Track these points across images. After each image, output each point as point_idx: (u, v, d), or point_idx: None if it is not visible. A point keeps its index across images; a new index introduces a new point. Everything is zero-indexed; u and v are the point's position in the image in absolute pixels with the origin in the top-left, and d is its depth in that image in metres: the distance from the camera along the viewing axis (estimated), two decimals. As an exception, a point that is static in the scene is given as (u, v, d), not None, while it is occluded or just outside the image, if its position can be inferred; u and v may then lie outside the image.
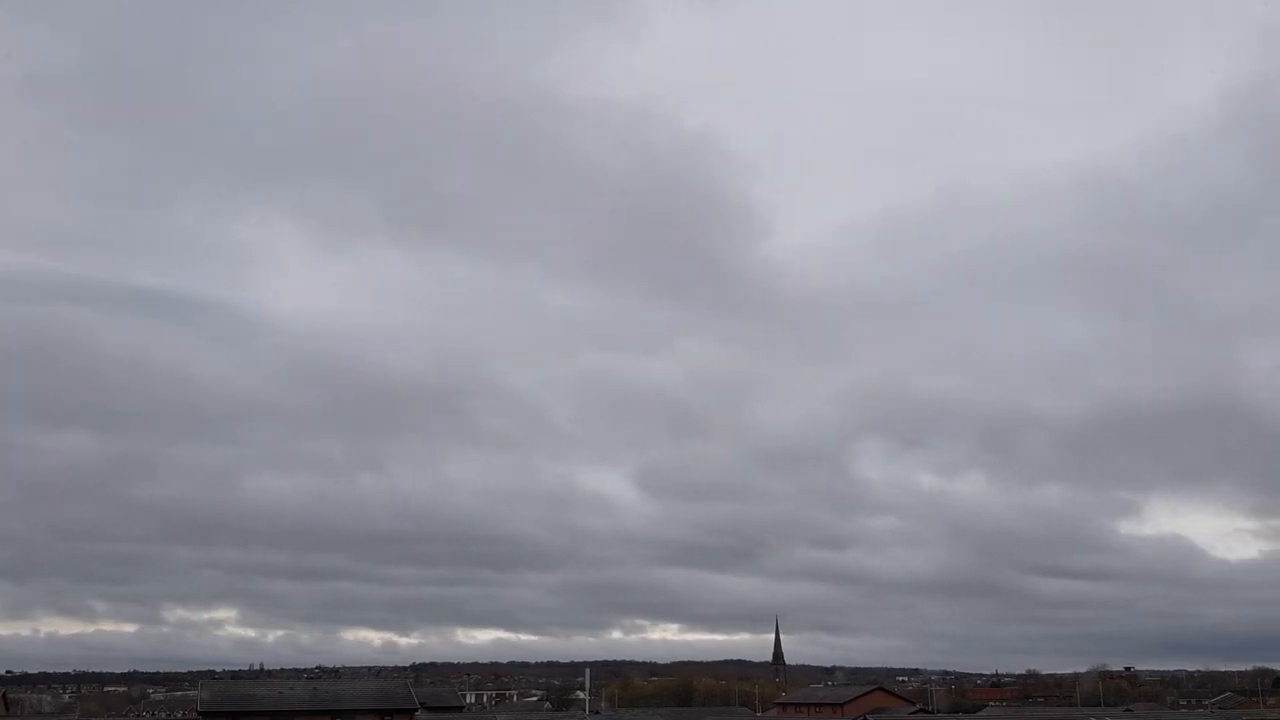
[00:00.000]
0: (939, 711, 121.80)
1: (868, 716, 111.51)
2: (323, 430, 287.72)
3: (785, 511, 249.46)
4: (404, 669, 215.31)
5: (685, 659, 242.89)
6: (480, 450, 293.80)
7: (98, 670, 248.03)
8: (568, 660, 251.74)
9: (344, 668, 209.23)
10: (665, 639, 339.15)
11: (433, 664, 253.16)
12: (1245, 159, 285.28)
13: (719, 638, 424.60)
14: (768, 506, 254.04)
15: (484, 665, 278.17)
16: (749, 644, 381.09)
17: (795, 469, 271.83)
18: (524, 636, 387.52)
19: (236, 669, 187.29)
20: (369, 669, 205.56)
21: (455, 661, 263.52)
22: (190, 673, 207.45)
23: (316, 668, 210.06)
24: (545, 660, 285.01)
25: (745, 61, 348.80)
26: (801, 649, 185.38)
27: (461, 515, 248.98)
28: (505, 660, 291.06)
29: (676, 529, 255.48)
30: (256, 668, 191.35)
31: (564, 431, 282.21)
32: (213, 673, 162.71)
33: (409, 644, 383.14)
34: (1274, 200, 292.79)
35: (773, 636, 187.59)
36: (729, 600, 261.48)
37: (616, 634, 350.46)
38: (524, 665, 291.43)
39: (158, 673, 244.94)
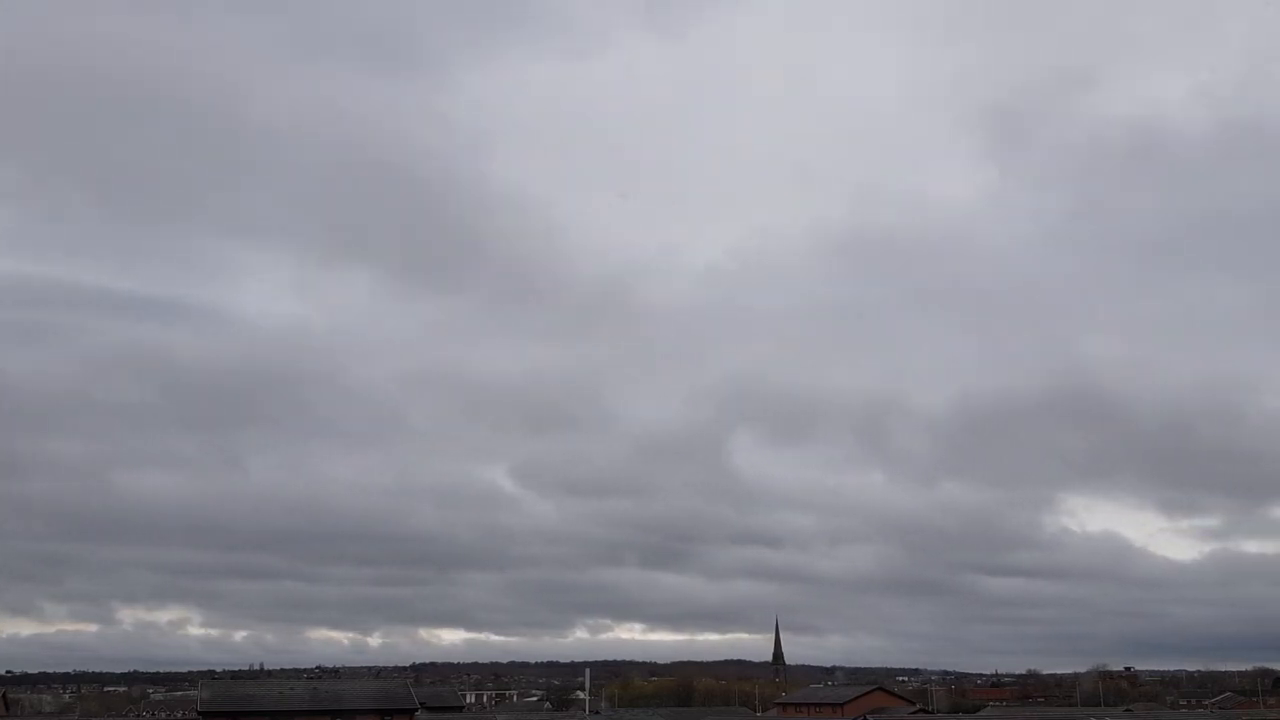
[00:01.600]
0: (939, 711, 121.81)
1: (868, 716, 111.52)
2: (179, 427, 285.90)
3: (689, 508, 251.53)
4: (404, 669, 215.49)
5: (685, 659, 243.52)
6: (352, 448, 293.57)
7: (98, 670, 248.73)
8: (568, 660, 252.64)
9: (344, 668, 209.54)
10: (633, 638, 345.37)
11: (433, 664, 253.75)
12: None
13: (712, 637, 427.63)
14: (666, 502, 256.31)
15: (484, 665, 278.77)
16: (739, 644, 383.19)
17: (680, 464, 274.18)
18: (494, 637, 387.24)
19: (236, 669, 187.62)
20: (369, 669, 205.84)
21: (455, 661, 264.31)
22: (190, 673, 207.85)
23: (316, 668, 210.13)
24: (545, 660, 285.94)
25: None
26: (776, 647, 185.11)
27: (374, 515, 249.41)
28: (505, 660, 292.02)
29: (591, 527, 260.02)
30: (256, 668, 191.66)
31: (427, 429, 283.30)
32: (213, 673, 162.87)
33: (378, 644, 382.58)
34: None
35: (773, 636, 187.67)
36: (681, 599, 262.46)
37: (581, 634, 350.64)
38: (524, 665, 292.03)
39: (158, 673, 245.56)
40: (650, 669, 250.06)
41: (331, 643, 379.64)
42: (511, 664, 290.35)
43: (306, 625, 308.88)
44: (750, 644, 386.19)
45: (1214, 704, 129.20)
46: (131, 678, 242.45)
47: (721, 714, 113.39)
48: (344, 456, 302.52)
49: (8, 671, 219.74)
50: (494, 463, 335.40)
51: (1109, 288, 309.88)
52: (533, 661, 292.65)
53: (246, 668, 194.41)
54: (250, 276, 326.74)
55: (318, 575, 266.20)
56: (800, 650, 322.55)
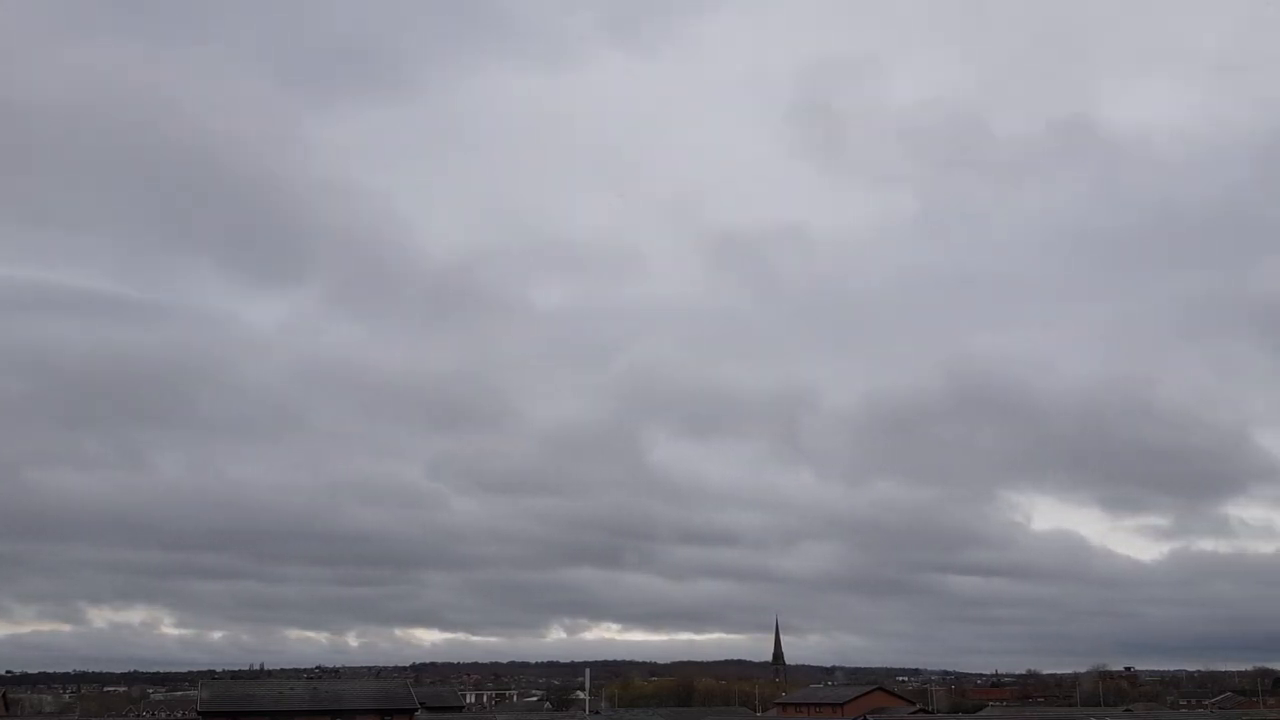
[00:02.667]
0: (939, 711, 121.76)
1: (868, 716, 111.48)
2: (75, 424, 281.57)
3: (626, 505, 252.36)
4: (404, 669, 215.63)
5: (685, 659, 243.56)
6: (253, 446, 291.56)
7: (98, 670, 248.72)
8: (568, 660, 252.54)
9: (344, 668, 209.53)
10: (611, 638, 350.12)
11: (433, 664, 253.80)
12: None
13: (691, 637, 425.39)
14: (599, 500, 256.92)
15: (484, 665, 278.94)
16: (721, 644, 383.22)
17: (599, 461, 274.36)
18: (472, 637, 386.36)
19: (236, 670, 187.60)
20: (369, 669, 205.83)
21: (455, 661, 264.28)
22: (190, 673, 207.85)
23: (316, 668, 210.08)
24: (545, 660, 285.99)
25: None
26: (776, 647, 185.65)
27: (309, 514, 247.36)
28: (505, 660, 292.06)
29: (533, 525, 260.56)
30: (256, 668, 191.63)
31: (328, 427, 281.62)
32: (212, 673, 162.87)
33: (357, 644, 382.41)
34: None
35: (773, 637, 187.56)
36: (652, 599, 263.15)
37: (559, 634, 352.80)
38: (524, 665, 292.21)
39: (157, 673, 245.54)
40: (650, 669, 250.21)
41: (309, 642, 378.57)
42: (511, 664, 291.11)
43: (276, 625, 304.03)
44: (733, 644, 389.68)
45: (1214, 704, 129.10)
46: (131, 678, 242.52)
47: (721, 714, 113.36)
48: (248, 455, 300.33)
49: (8, 671, 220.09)
50: (409, 461, 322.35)
51: (1014, 286, 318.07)
52: (533, 661, 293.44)
53: (246, 668, 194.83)
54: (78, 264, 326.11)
55: (273, 575, 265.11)
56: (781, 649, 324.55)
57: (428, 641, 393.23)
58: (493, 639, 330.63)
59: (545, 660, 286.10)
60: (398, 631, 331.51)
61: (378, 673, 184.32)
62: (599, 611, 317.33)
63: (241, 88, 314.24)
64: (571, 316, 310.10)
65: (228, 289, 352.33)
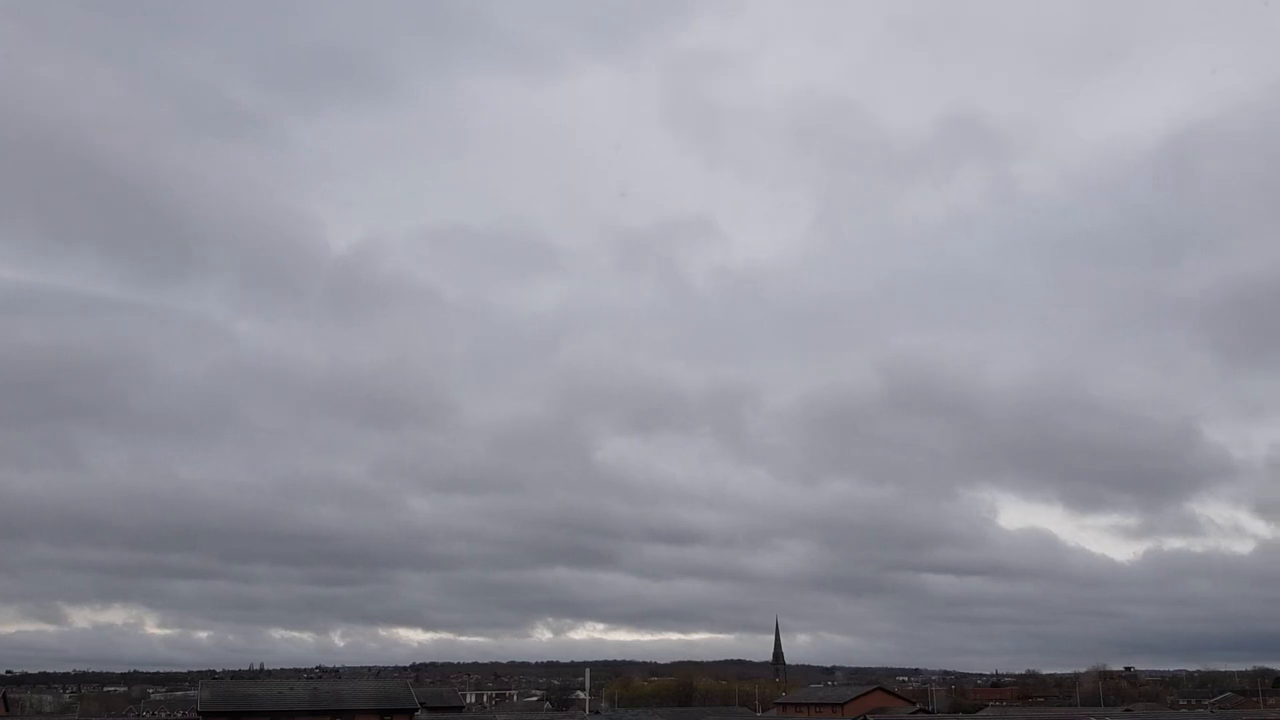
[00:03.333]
0: (939, 711, 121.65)
1: (868, 716, 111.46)
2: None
3: (587, 505, 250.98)
4: (404, 669, 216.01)
5: (685, 659, 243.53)
6: (188, 443, 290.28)
7: (98, 670, 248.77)
8: (568, 660, 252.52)
9: (344, 668, 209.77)
10: (596, 638, 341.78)
11: (433, 664, 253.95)
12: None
13: (674, 637, 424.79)
14: (558, 498, 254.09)
15: (484, 665, 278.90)
16: (709, 645, 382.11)
17: (547, 459, 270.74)
18: (462, 638, 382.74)
19: (236, 670, 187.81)
20: (369, 669, 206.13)
21: (455, 661, 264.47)
22: (190, 673, 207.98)
23: (316, 668, 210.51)
24: (545, 660, 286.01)
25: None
26: (776, 647, 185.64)
27: (261, 514, 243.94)
28: (503, 660, 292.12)
29: (494, 525, 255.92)
30: (256, 668, 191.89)
31: (262, 424, 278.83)
32: (213, 673, 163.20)
33: (345, 644, 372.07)
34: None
35: (758, 637, 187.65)
36: (630, 598, 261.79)
37: (546, 634, 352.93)
38: (524, 665, 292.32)
39: (157, 673, 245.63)
40: (650, 669, 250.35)
41: (296, 642, 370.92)
42: (511, 664, 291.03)
43: (255, 625, 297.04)
44: (722, 644, 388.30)
45: (1214, 704, 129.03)
46: (131, 678, 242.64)
47: (721, 714, 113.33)
48: (188, 453, 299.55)
49: (8, 671, 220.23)
50: (352, 459, 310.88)
51: (935, 283, 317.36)
52: (532, 662, 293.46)
53: (243, 668, 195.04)
54: None
55: (243, 575, 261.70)
56: (762, 649, 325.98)
57: (415, 641, 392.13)
58: (480, 639, 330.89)
59: (545, 660, 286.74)
60: (382, 631, 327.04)
61: (377, 673, 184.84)
62: (581, 611, 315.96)
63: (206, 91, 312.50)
64: (488, 311, 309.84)
65: (142, 284, 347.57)
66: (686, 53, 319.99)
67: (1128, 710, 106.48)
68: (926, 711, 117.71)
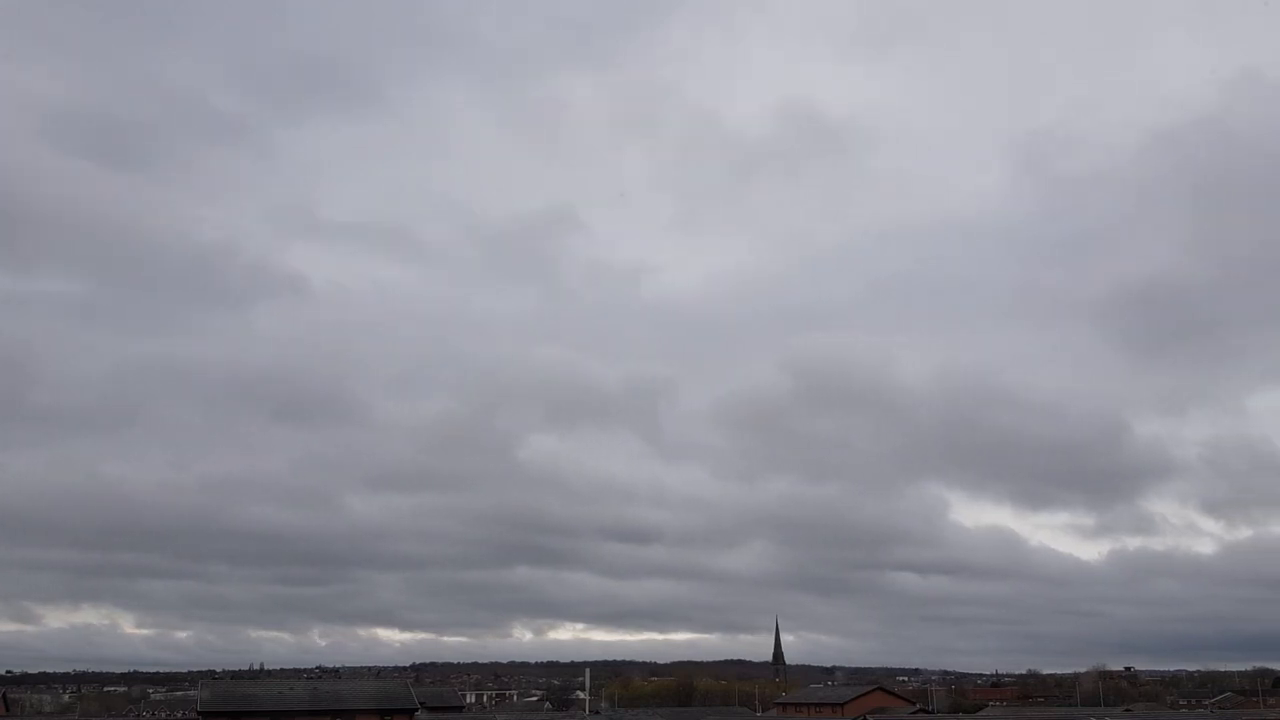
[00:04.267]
0: (939, 711, 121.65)
1: (868, 716, 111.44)
2: None
3: (531, 503, 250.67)
4: (404, 669, 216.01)
5: (685, 659, 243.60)
6: (90, 438, 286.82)
7: (98, 670, 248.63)
8: (567, 660, 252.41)
9: (344, 668, 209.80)
10: (576, 638, 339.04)
11: (433, 664, 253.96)
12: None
13: (655, 637, 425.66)
14: (500, 497, 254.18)
15: (484, 665, 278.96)
16: (693, 645, 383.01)
17: (475, 456, 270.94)
18: (447, 638, 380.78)
19: (236, 670, 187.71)
20: (369, 669, 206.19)
21: (455, 661, 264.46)
22: (190, 673, 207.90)
23: (317, 668, 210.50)
24: (545, 660, 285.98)
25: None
26: (776, 647, 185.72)
27: (193, 512, 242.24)
28: (505, 660, 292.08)
29: (443, 523, 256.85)
30: (256, 667, 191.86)
31: (172, 421, 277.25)
32: (213, 673, 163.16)
33: (323, 643, 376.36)
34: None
35: (772, 637, 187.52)
36: (605, 598, 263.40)
37: (528, 635, 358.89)
38: (524, 665, 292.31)
39: (158, 673, 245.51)
40: (650, 669, 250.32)
41: (279, 641, 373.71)
42: (511, 664, 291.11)
43: (228, 625, 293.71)
44: (706, 643, 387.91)
45: (1214, 704, 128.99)
46: (131, 678, 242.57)
47: (721, 714, 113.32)
48: (106, 451, 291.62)
49: (8, 671, 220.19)
50: (273, 456, 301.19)
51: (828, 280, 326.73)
52: (533, 662, 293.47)
53: (246, 668, 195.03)
54: None
55: (202, 575, 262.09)
56: (745, 648, 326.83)
57: (396, 641, 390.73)
58: (462, 639, 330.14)
59: (545, 660, 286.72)
60: (361, 631, 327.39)
61: (377, 673, 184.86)
62: (558, 611, 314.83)
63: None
64: (361, 300, 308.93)
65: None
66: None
67: (1128, 710, 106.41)
68: (926, 711, 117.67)
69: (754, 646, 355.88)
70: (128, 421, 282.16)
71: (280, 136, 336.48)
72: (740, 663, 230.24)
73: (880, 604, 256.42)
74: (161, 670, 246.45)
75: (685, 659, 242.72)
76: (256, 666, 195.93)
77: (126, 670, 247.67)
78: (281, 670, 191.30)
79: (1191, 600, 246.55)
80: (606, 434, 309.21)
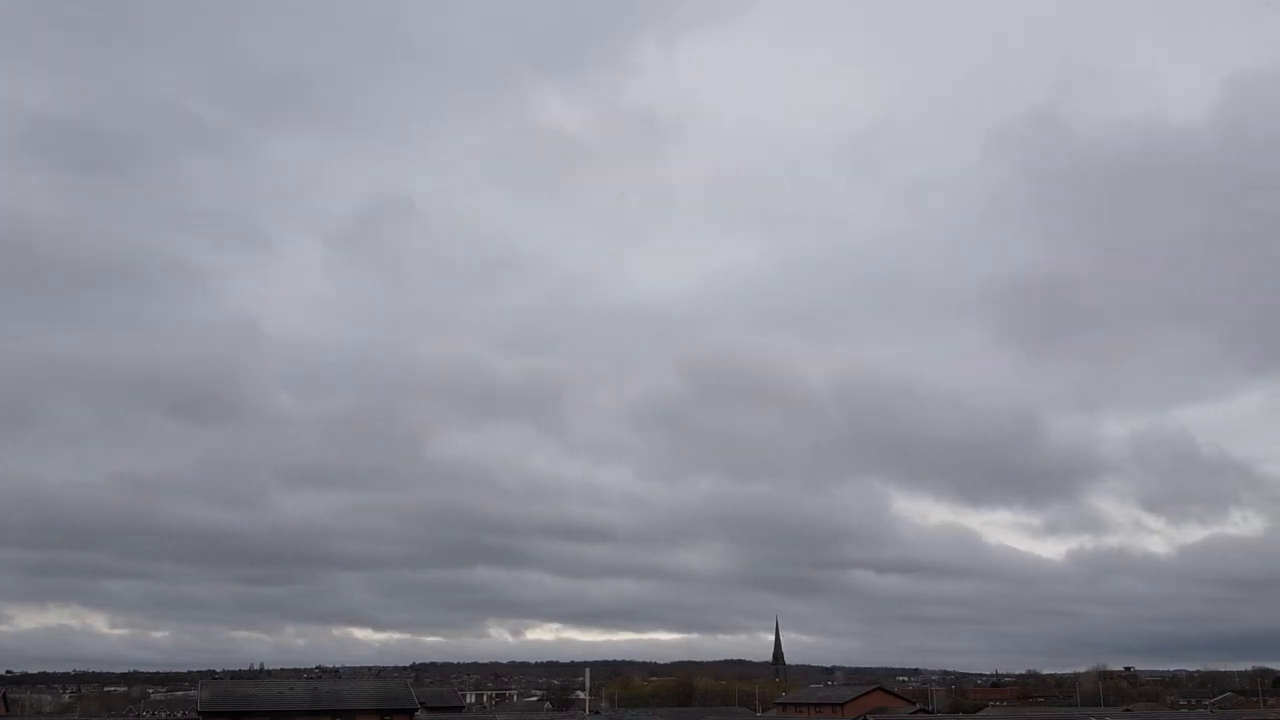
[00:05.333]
0: (939, 711, 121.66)
1: (868, 716, 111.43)
2: None
3: (460, 501, 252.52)
4: (404, 669, 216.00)
5: (685, 659, 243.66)
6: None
7: (98, 670, 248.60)
8: (568, 660, 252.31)
9: (344, 668, 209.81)
10: (553, 639, 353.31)
11: (433, 664, 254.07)
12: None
13: (629, 636, 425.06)
14: (427, 494, 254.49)
15: (484, 665, 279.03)
16: (677, 643, 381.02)
17: (390, 453, 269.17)
18: (427, 639, 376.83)
19: (236, 670, 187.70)
20: (369, 669, 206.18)
21: (455, 661, 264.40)
22: (190, 673, 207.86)
23: (316, 668, 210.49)
24: (545, 660, 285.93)
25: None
26: (776, 647, 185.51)
27: (123, 511, 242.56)
28: (505, 660, 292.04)
29: (380, 522, 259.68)
30: (256, 667, 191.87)
31: (63, 421, 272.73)
32: (213, 673, 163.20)
33: (301, 643, 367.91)
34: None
35: (773, 637, 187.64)
36: (568, 597, 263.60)
37: (506, 635, 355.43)
38: (524, 665, 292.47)
39: (158, 673, 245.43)
40: (650, 669, 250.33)
41: (257, 641, 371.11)
42: (511, 664, 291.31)
43: (199, 625, 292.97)
44: (686, 643, 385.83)
45: (1214, 704, 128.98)
46: (131, 678, 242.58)
47: (721, 714, 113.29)
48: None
49: (8, 671, 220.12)
50: (175, 455, 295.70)
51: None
52: (532, 661, 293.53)
53: (246, 668, 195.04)
54: None
55: (157, 574, 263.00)
56: (722, 647, 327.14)
57: (375, 640, 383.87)
58: (436, 639, 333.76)
59: (545, 660, 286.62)
60: (335, 631, 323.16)
61: (378, 673, 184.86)
62: (528, 611, 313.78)
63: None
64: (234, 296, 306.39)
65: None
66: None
67: (1128, 710, 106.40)
68: (926, 711, 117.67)
69: (738, 646, 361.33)
70: (24, 419, 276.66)
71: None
72: (740, 663, 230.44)
73: (852, 603, 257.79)
74: (162, 670, 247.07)
75: (684, 659, 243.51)
76: (258, 666, 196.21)
77: (127, 670, 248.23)
78: (281, 670, 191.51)
79: (1157, 600, 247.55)
80: (517, 430, 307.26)
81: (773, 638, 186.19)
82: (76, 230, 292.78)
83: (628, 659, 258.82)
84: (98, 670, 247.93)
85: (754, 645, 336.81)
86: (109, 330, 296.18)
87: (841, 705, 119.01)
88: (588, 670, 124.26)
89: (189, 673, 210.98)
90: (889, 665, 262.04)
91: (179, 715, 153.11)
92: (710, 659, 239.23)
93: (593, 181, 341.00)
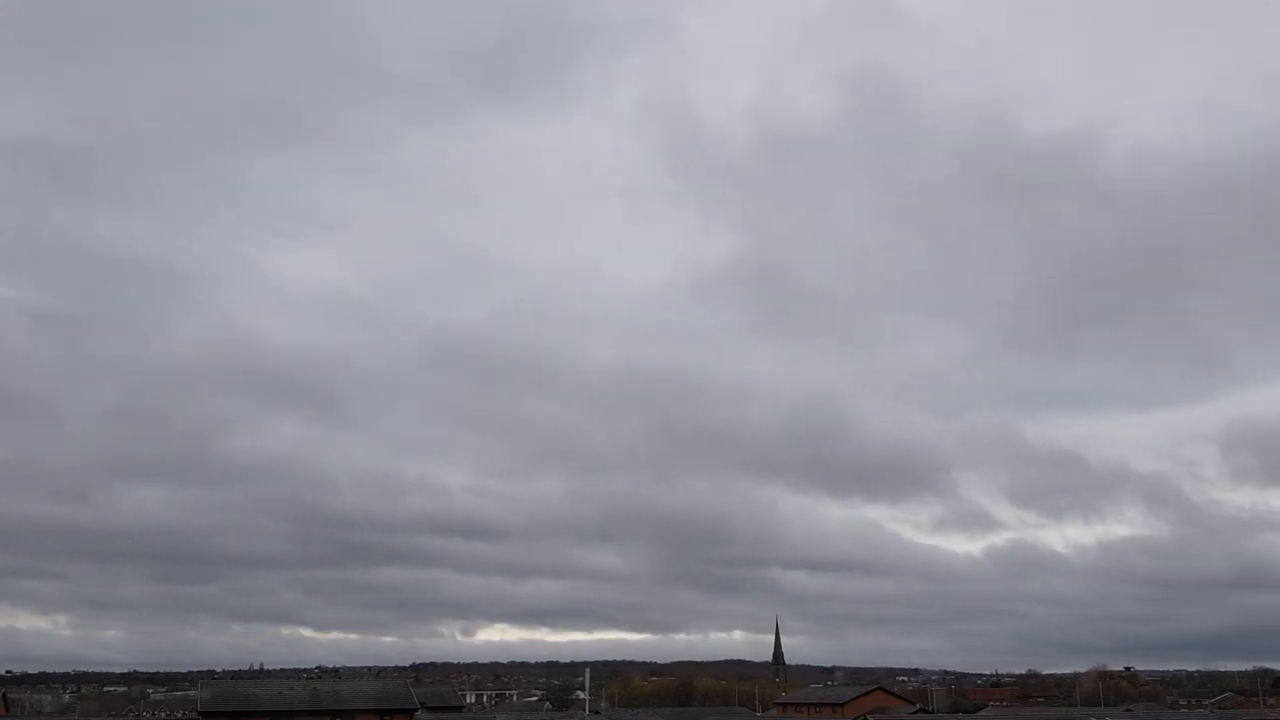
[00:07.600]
0: (939, 711, 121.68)
1: (868, 716, 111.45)
2: None
3: (354, 502, 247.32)
4: (404, 669, 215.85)
5: (685, 659, 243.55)
6: None
7: (98, 670, 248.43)
8: (568, 660, 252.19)
9: (344, 668, 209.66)
10: (502, 639, 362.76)
11: (433, 664, 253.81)
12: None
13: (581, 636, 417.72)
14: (316, 494, 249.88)
15: (484, 665, 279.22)
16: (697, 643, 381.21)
17: (259, 451, 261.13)
18: (385, 638, 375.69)
19: (235, 669, 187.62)
20: (369, 669, 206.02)
21: (455, 661, 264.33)
22: (190, 673, 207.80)
23: (316, 668, 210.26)
24: (545, 660, 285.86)
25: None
26: (776, 647, 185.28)
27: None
28: (505, 660, 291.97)
29: (268, 522, 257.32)
30: (256, 667, 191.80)
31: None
32: (213, 673, 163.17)
33: (251, 643, 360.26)
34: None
35: (772, 637, 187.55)
36: (511, 597, 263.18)
37: (458, 635, 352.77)
38: (524, 665, 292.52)
39: (157, 673, 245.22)
40: (650, 669, 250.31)
41: (205, 641, 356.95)
42: (512, 664, 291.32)
43: (150, 624, 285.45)
44: (651, 643, 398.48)
45: (1214, 704, 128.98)
46: (131, 678, 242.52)
47: (721, 714, 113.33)
48: None
49: (8, 671, 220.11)
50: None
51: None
52: (532, 661, 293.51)
53: (246, 668, 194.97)
54: None
55: (68, 574, 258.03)
56: (676, 647, 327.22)
57: (326, 640, 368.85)
58: (391, 639, 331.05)
59: (545, 660, 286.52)
60: (284, 630, 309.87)
61: (377, 673, 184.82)
62: (474, 611, 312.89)
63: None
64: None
65: None
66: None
67: (1128, 710, 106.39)
68: (926, 711, 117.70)
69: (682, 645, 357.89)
70: None
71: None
72: (740, 663, 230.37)
73: (780, 603, 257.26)
74: (162, 670, 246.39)
75: (684, 659, 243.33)
76: (258, 666, 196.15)
77: (126, 670, 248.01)
78: (281, 670, 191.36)
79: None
80: (346, 425, 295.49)
81: (773, 638, 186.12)
82: None
83: (628, 659, 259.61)
84: (97, 670, 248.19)
85: (708, 645, 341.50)
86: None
87: (841, 705, 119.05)
88: (588, 670, 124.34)
89: (189, 673, 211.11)
90: (889, 665, 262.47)
91: (179, 715, 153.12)
92: (709, 659, 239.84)
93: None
